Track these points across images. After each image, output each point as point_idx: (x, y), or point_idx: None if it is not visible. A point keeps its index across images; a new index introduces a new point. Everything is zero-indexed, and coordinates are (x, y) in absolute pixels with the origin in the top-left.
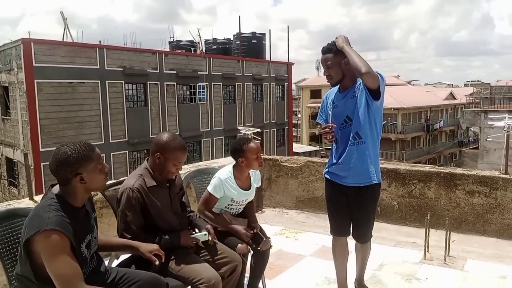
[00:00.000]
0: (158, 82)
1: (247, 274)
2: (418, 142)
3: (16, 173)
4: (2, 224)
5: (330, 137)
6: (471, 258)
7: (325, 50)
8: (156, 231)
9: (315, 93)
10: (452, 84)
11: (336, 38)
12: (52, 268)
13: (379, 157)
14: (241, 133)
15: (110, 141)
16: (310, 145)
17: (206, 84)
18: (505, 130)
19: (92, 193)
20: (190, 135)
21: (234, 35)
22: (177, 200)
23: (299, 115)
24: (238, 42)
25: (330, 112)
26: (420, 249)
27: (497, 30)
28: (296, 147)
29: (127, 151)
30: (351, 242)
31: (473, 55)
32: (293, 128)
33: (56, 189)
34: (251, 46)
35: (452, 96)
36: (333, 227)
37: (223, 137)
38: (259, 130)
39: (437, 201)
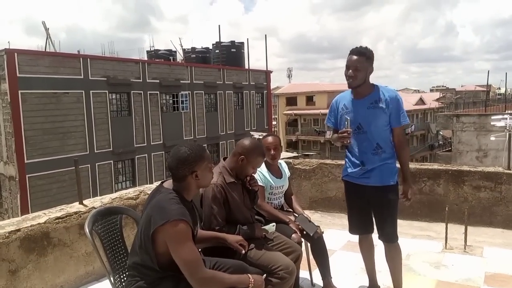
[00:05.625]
0: (142, 91)
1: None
2: None
3: None
4: (103, 220)
5: (348, 142)
6: (487, 246)
7: (358, 52)
8: (234, 224)
9: (291, 101)
10: (418, 90)
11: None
12: (179, 255)
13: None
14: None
15: (95, 151)
16: (287, 151)
17: (189, 93)
18: (507, 130)
19: None
20: (174, 143)
21: (213, 44)
22: (247, 196)
23: (274, 122)
24: (217, 51)
25: (348, 118)
26: (437, 240)
27: (460, 37)
28: None
29: (112, 161)
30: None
31: (438, 61)
32: None
33: (168, 184)
34: (230, 54)
35: (421, 101)
36: (356, 227)
37: (205, 145)
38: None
39: (446, 197)
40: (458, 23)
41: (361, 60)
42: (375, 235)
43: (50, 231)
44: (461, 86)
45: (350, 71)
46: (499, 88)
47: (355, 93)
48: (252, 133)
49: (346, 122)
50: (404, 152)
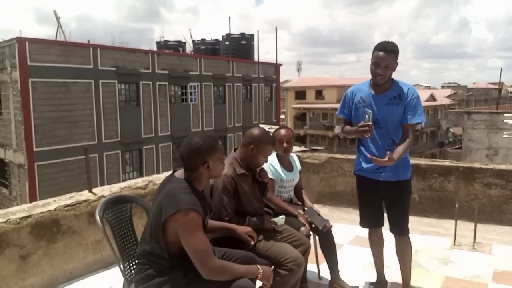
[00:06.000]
0: (151, 82)
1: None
2: None
3: (8, 173)
4: (114, 208)
5: (369, 135)
6: (496, 244)
7: (388, 50)
8: (243, 215)
9: (300, 95)
10: (429, 86)
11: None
12: (190, 244)
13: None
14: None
15: (103, 141)
16: (295, 145)
17: (198, 84)
18: None
19: None
20: (182, 135)
21: (223, 36)
22: (257, 188)
23: (282, 116)
24: (227, 43)
25: (369, 111)
26: (446, 237)
27: (473, 34)
28: None
29: (119, 151)
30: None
31: (450, 57)
32: None
33: (179, 173)
34: (240, 47)
35: (432, 97)
36: (367, 220)
37: None
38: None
39: (456, 194)
40: (471, 19)
41: (391, 58)
42: (384, 230)
43: (60, 218)
44: (473, 83)
45: (379, 70)
46: None
47: (375, 88)
48: (261, 125)
49: (367, 116)
50: (407, 141)
